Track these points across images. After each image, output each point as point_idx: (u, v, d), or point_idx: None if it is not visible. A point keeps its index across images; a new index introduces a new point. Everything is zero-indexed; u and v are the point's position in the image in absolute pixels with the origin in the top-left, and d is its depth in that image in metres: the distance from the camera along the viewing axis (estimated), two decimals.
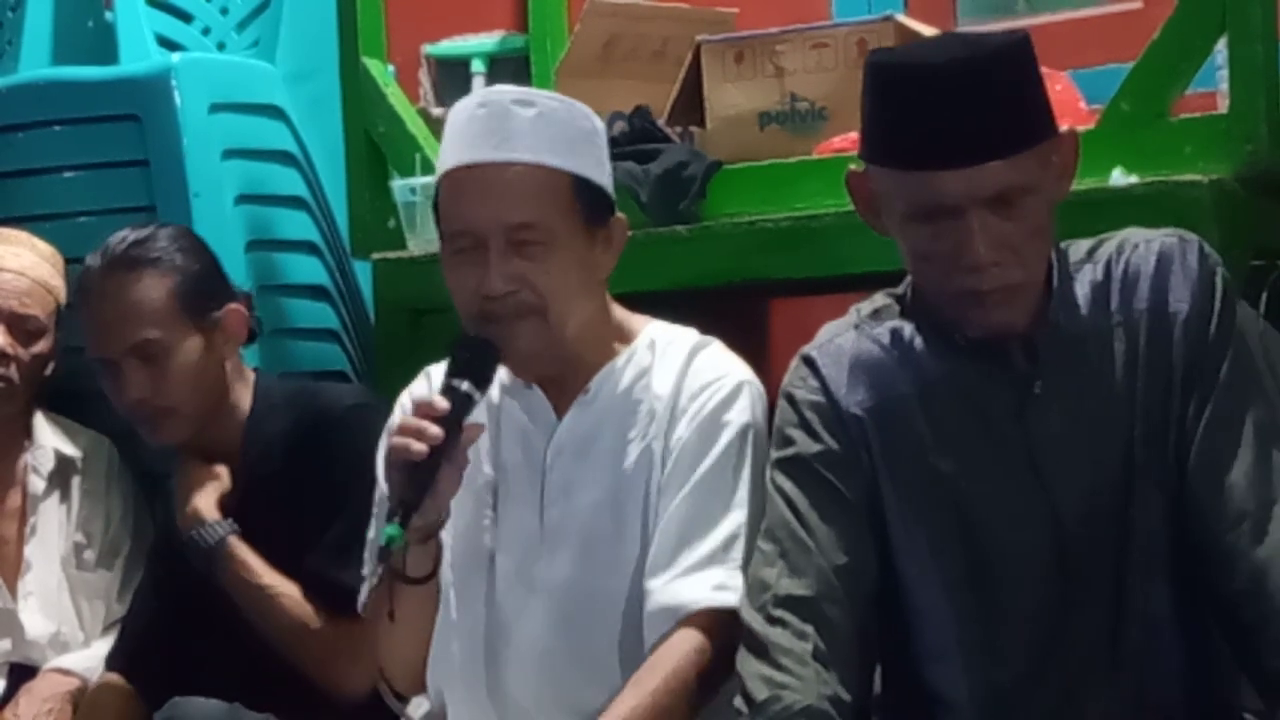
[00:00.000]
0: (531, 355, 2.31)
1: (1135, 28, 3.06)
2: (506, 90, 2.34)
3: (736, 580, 2.24)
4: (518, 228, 2.26)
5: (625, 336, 2.40)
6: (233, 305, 2.87)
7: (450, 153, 2.32)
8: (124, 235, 2.86)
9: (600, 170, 2.34)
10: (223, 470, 2.83)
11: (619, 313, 2.42)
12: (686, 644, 2.24)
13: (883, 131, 2.07)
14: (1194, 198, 2.60)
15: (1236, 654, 2.08)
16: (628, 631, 2.31)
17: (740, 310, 3.55)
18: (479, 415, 2.30)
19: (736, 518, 2.28)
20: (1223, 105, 2.74)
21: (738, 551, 2.27)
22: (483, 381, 2.26)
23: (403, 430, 2.20)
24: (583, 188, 2.30)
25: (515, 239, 2.26)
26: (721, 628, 2.23)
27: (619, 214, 2.38)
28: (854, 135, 2.90)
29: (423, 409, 2.21)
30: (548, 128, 2.29)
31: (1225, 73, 2.70)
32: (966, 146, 2.01)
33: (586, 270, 2.32)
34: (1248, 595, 2.03)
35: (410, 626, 2.34)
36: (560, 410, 2.37)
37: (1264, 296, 2.56)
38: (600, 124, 2.39)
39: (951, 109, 2.00)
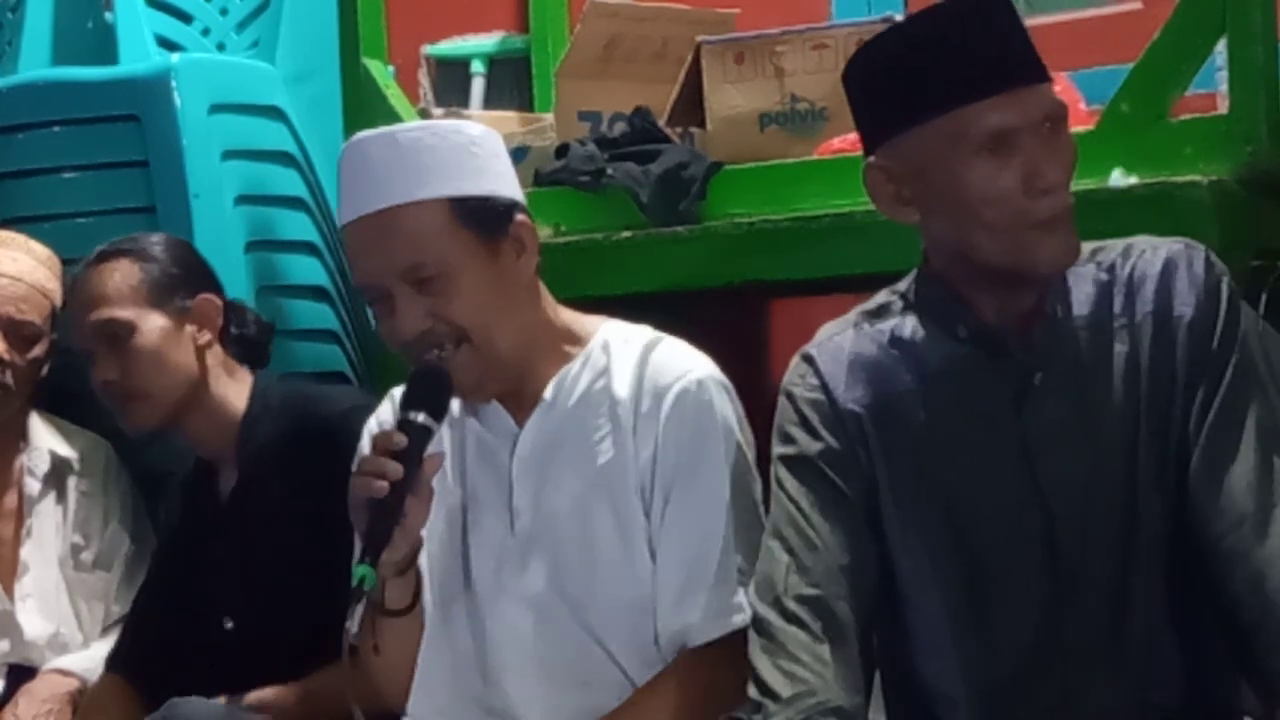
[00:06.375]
0: (473, 383, 2.30)
1: (1135, 28, 3.05)
2: (367, 135, 2.33)
3: (739, 596, 2.26)
4: (409, 270, 2.25)
5: (577, 339, 2.39)
6: (205, 295, 2.87)
7: (339, 210, 2.33)
8: (115, 239, 2.89)
9: (482, 181, 2.31)
10: None
11: (567, 315, 2.41)
12: (689, 673, 2.27)
13: (930, 79, 2.06)
14: (1194, 199, 2.60)
15: (1235, 655, 2.08)
16: (613, 632, 2.32)
17: (740, 311, 3.56)
18: (443, 434, 2.32)
19: (729, 529, 2.29)
20: (1222, 106, 2.74)
21: (734, 565, 2.29)
22: (439, 411, 2.26)
23: (362, 469, 2.21)
24: (464, 207, 2.28)
25: (413, 281, 2.26)
26: (729, 649, 2.23)
27: (521, 216, 2.33)
28: (854, 136, 2.91)
29: (381, 445, 2.22)
30: (412, 161, 2.27)
31: (1225, 74, 2.70)
32: (1019, 67, 2.06)
33: (501, 283, 2.30)
34: (1247, 596, 2.03)
35: (396, 657, 2.34)
36: (520, 420, 2.37)
37: (1264, 297, 2.56)
38: (479, 131, 2.35)
39: (996, 36, 2.06)
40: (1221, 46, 2.69)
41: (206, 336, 2.86)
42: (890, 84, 2.10)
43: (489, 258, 2.29)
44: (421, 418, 2.23)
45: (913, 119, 2.07)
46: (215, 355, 2.88)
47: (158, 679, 2.85)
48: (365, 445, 2.40)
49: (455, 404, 2.36)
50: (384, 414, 2.45)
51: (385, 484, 2.18)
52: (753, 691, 2.10)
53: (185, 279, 2.87)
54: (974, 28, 2.05)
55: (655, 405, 2.31)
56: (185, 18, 3.92)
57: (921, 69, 2.06)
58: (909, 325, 2.18)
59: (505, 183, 2.35)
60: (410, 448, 2.20)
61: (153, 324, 2.82)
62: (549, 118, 3.42)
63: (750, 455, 2.36)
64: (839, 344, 2.20)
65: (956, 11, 2.07)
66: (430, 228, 2.26)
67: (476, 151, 2.32)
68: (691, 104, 3.15)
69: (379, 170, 2.27)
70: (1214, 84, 2.81)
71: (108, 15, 3.86)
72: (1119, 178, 2.66)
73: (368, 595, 2.18)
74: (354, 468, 2.27)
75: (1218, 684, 2.14)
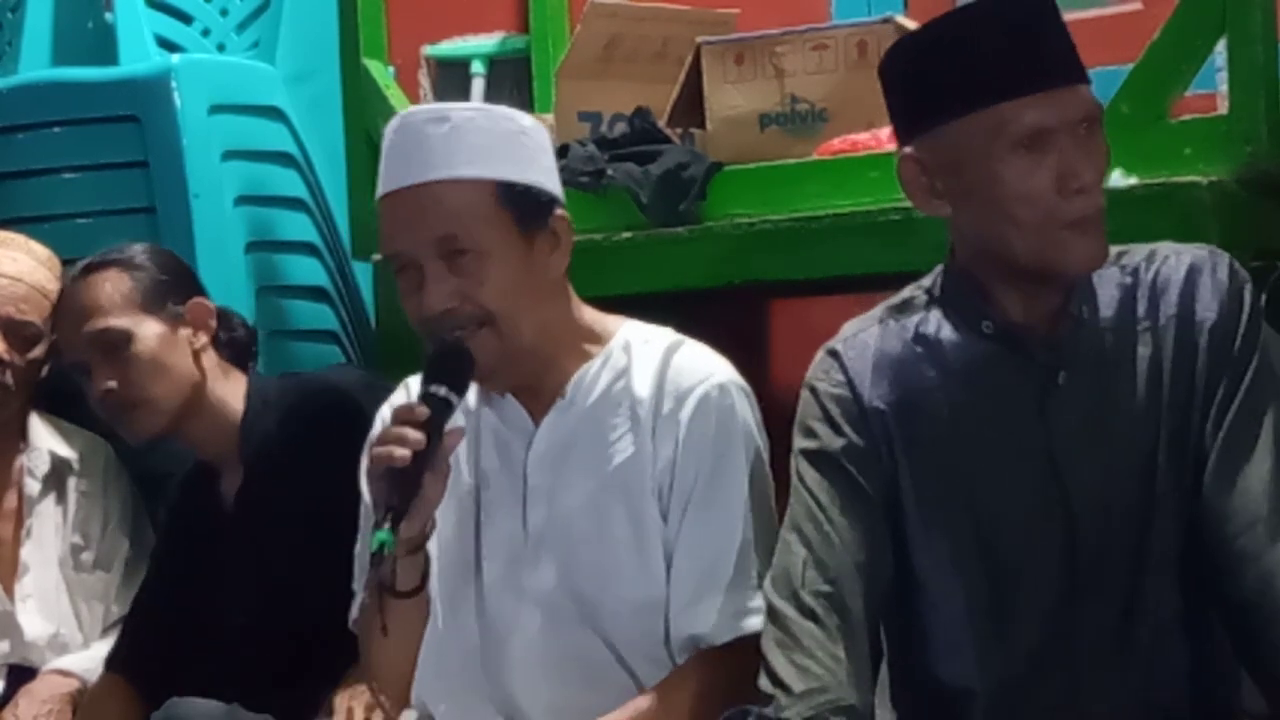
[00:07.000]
0: (492, 367, 2.29)
1: (1135, 28, 3.05)
2: (420, 110, 2.34)
3: (756, 601, 2.26)
4: (442, 242, 2.25)
5: (598, 338, 2.39)
6: (197, 299, 2.88)
7: (379, 181, 2.32)
8: (98, 252, 2.89)
9: (529, 169, 2.31)
10: None
11: (589, 314, 2.41)
12: (700, 675, 2.27)
13: (970, 74, 2.07)
14: (1194, 199, 2.60)
15: (1242, 655, 2.10)
16: (622, 633, 2.32)
17: (740, 311, 3.56)
18: (458, 424, 2.30)
19: (747, 534, 2.30)
20: (1222, 107, 2.74)
21: (752, 569, 2.29)
22: (460, 386, 2.26)
23: (384, 439, 2.21)
24: (508, 192, 2.28)
25: (446, 255, 2.25)
26: (740, 653, 2.24)
27: (560, 211, 2.34)
28: (853, 137, 2.93)
29: (403, 415, 2.22)
30: (463, 139, 2.27)
31: (1225, 74, 2.70)
32: (1060, 67, 2.07)
33: (531, 275, 2.29)
34: (1257, 598, 2.04)
35: (402, 640, 2.34)
36: (536, 416, 2.37)
37: (1264, 297, 2.56)
38: (530, 123, 2.36)
39: (1037, 34, 2.07)
40: (1221, 46, 2.69)
41: (202, 339, 2.86)
42: (930, 76, 2.10)
43: (524, 247, 2.29)
44: (443, 391, 2.23)
45: (951, 112, 2.08)
46: (211, 358, 2.88)
47: (158, 679, 2.85)
48: (378, 430, 2.38)
49: (471, 395, 2.36)
50: (398, 400, 2.43)
51: (408, 453, 2.18)
52: (764, 683, 2.11)
53: (175, 284, 2.88)
54: (1016, 25, 2.06)
55: (676, 407, 2.31)
56: (185, 18, 3.92)
57: (962, 63, 2.07)
58: (933, 321, 2.19)
59: (549, 176, 2.35)
60: (432, 420, 2.21)
61: (149, 330, 2.82)
62: (549, 118, 3.41)
63: (767, 459, 2.36)
64: (864, 340, 2.21)
65: (1000, 8, 2.08)
66: (472, 205, 2.26)
67: (526, 141, 2.33)
68: (691, 104, 3.15)
69: (429, 145, 2.27)
70: (1214, 84, 2.82)
71: (108, 15, 3.86)
72: (1119, 178, 2.66)
73: (379, 575, 2.19)
74: (370, 439, 2.28)
75: (1220, 684, 2.15)
